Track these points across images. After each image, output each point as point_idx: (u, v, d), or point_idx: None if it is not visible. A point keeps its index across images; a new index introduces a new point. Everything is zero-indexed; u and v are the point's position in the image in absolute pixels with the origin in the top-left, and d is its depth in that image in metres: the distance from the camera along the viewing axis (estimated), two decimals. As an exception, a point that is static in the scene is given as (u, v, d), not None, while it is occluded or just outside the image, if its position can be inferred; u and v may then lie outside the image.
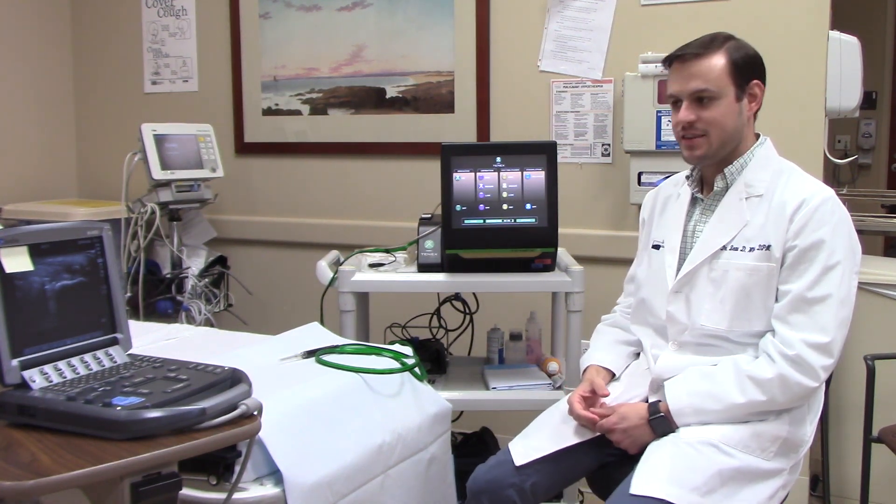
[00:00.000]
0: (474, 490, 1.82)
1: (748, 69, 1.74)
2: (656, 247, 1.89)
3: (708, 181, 1.82)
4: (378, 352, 1.95)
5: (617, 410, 1.77)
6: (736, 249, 1.72)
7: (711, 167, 1.80)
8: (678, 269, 1.80)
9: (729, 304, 1.71)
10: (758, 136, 1.80)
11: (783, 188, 1.71)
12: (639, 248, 2.03)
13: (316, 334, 2.14)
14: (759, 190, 1.73)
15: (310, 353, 1.88)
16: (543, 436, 1.84)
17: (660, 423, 1.71)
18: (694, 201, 1.85)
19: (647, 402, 1.79)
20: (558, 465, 1.80)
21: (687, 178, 1.87)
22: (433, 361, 2.54)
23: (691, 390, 1.71)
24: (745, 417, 1.68)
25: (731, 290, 1.71)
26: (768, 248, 1.68)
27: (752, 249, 1.70)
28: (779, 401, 1.65)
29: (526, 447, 1.82)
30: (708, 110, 1.72)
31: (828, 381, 1.74)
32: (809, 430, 1.74)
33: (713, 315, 1.73)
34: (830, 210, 1.66)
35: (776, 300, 1.69)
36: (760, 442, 1.67)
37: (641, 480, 1.59)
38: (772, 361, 1.65)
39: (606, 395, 1.84)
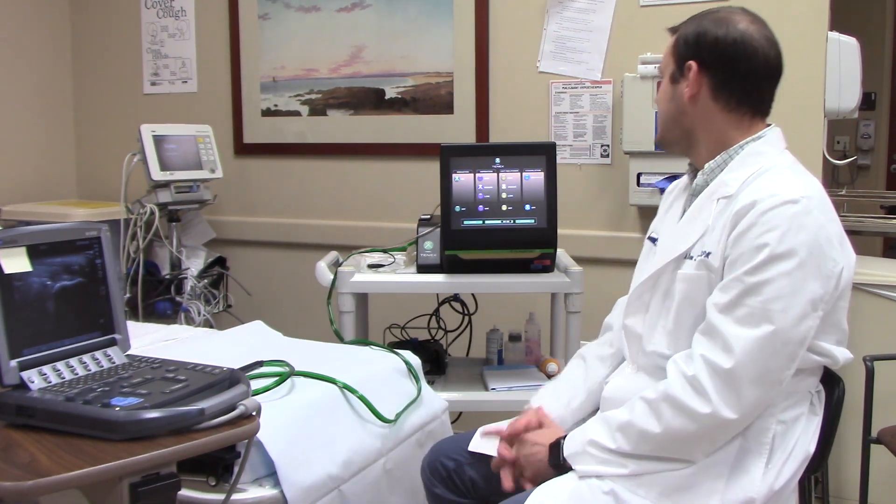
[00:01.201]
0: (427, 455, 1.78)
1: (688, 48, 1.52)
2: (652, 240, 1.68)
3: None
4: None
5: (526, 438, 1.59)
6: (691, 258, 1.48)
7: (696, 159, 1.59)
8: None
9: (672, 321, 1.49)
10: (769, 125, 1.55)
11: (750, 188, 1.44)
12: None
13: (260, 333, 2.16)
14: (730, 189, 1.47)
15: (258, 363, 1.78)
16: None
17: (558, 455, 1.51)
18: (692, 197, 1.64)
19: None
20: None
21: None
22: (432, 362, 2.54)
23: (585, 428, 1.50)
24: (640, 445, 1.42)
25: (675, 304, 1.48)
26: (708, 255, 1.44)
27: (696, 257, 1.46)
28: (674, 426, 1.38)
29: (487, 439, 1.71)
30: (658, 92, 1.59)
31: (827, 382, 1.57)
32: (762, 482, 1.39)
33: (663, 334, 1.51)
34: (787, 215, 1.35)
35: None
36: (657, 486, 1.41)
37: None
38: (666, 380, 1.42)
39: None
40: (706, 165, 1.54)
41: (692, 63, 1.50)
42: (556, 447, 1.53)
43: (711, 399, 1.35)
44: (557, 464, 1.51)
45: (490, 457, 1.67)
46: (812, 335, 1.39)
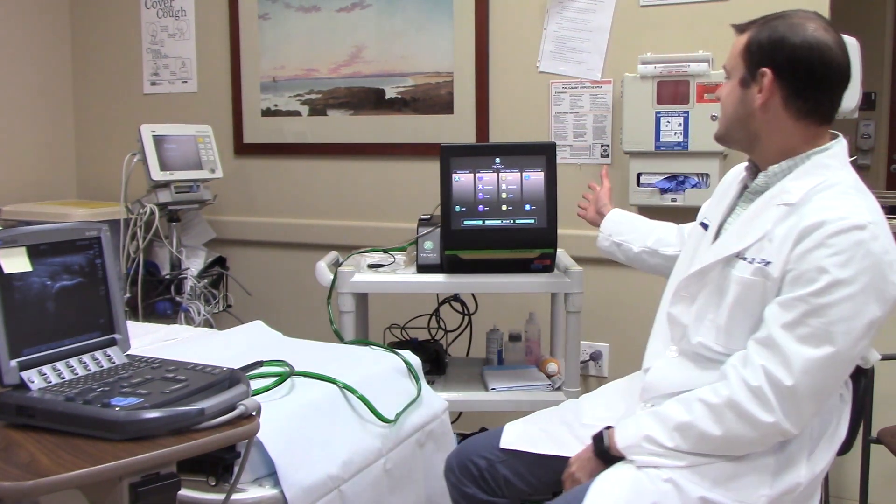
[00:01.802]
0: (452, 454, 1.84)
1: (761, 53, 1.51)
2: (704, 225, 1.71)
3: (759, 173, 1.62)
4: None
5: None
6: (745, 259, 1.51)
7: (757, 158, 1.61)
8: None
9: (724, 318, 1.53)
10: (836, 136, 1.56)
11: (814, 202, 1.45)
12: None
13: (260, 333, 2.16)
14: (793, 198, 1.48)
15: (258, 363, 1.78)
16: (540, 431, 1.80)
17: (606, 452, 1.58)
18: (744, 189, 1.66)
19: None
20: (536, 466, 1.73)
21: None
22: (432, 362, 2.55)
23: (639, 423, 1.56)
24: (699, 446, 1.49)
25: (728, 304, 1.52)
26: (768, 264, 1.46)
27: (755, 262, 1.49)
28: (735, 431, 1.45)
29: (519, 433, 1.78)
30: (723, 89, 1.61)
31: (853, 373, 1.61)
32: (806, 472, 1.51)
33: (711, 328, 1.55)
34: (855, 241, 1.38)
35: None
36: (721, 477, 1.49)
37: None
38: (727, 384, 1.46)
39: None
40: (770, 168, 1.56)
41: (767, 71, 1.50)
42: (600, 438, 1.60)
43: (776, 411, 1.42)
44: (603, 452, 1.58)
45: (522, 452, 1.73)
46: (864, 351, 1.48)
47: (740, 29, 1.59)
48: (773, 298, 1.46)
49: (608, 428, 1.60)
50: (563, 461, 1.68)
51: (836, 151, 1.54)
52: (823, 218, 1.41)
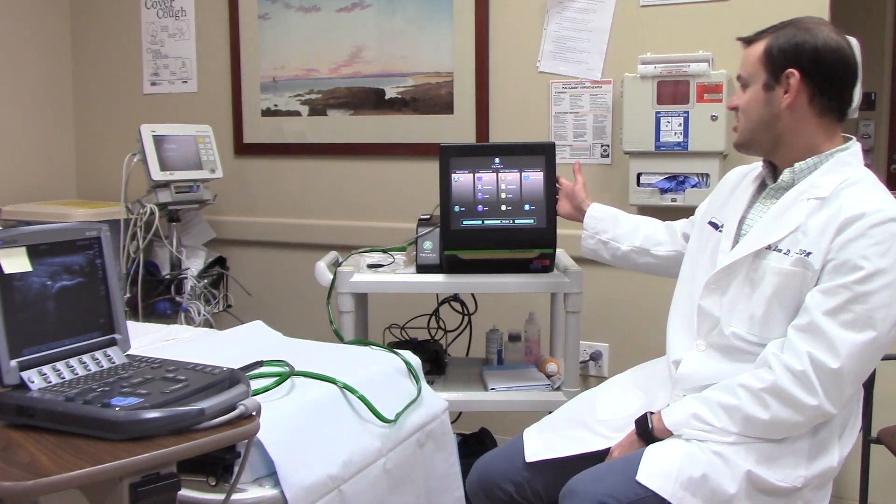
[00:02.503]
0: (474, 478, 1.85)
1: (784, 57, 1.60)
2: (714, 225, 1.77)
3: (779, 172, 1.69)
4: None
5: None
6: (780, 251, 1.58)
7: (778, 159, 1.68)
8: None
9: (761, 309, 1.59)
10: (849, 138, 1.66)
11: (847, 195, 1.54)
12: (696, 215, 1.95)
13: (260, 333, 2.16)
14: (823, 192, 1.57)
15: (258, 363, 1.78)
16: (560, 436, 1.81)
17: (650, 433, 1.65)
18: (761, 188, 1.74)
19: None
20: (564, 470, 1.75)
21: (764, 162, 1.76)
22: (432, 362, 2.54)
23: (685, 404, 1.63)
24: (746, 428, 1.56)
25: (765, 294, 1.58)
26: (808, 255, 1.53)
27: (792, 253, 1.56)
28: (781, 416, 1.52)
29: (540, 444, 1.80)
30: (743, 97, 1.68)
31: None
32: (838, 456, 1.60)
33: (744, 319, 1.62)
34: (892, 232, 1.48)
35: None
36: (767, 459, 1.56)
37: (650, 471, 1.54)
38: (770, 370, 1.54)
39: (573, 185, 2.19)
40: (796, 165, 1.63)
41: (794, 71, 1.59)
42: (643, 421, 1.67)
43: (819, 394, 1.49)
44: (646, 434, 1.66)
45: (547, 461, 1.77)
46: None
47: (749, 41, 1.67)
48: (812, 287, 1.53)
49: (651, 413, 1.68)
50: (589, 460, 1.72)
51: (856, 150, 1.64)
52: (863, 210, 1.50)
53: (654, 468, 1.55)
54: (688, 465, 1.55)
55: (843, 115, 1.64)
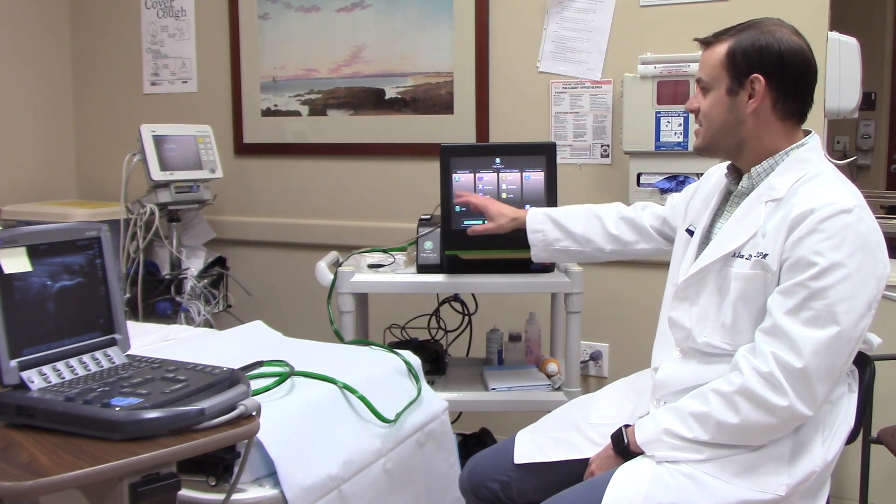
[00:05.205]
0: (464, 475, 1.86)
1: (748, 61, 1.56)
2: (690, 232, 1.75)
3: (742, 176, 1.67)
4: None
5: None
6: (742, 257, 1.56)
7: (741, 163, 1.66)
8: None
9: (730, 316, 1.57)
10: (808, 132, 1.63)
11: (801, 192, 1.52)
12: (677, 199, 1.95)
13: (260, 333, 2.16)
14: (779, 193, 1.55)
15: (258, 363, 1.78)
16: (551, 439, 1.81)
17: (626, 449, 1.61)
18: (728, 194, 1.72)
19: None
20: (553, 473, 1.74)
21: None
22: (432, 362, 2.54)
23: (657, 418, 1.59)
24: (718, 435, 1.51)
25: (731, 301, 1.57)
26: (765, 256, 1.52)
27: (753, 257, 1.54)
28: (752, 418, 1.48)
29: (530, 446, 1.80)
30: (704, 101, 1.64)
31: (859, 363, 1.66)
32: (821, 458, 1.54)
33: (716, 328, 1.59)
34: (844, 224, 1.45)
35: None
36: (742, 467, 1.52)
37: (615, 500, 1.51)
38: (740, 374, 1.50)
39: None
40: (753, 170, 1.62)
41: (759, 76, 1.56)
42: (618, 436, 1.63)
43: (789, 394, 1.45)
44: (622, 450, 1.61)
45: (536, 464, 1.76)
46: (866, 331, 1.51)
47: (708, 42, 1.63)
48: (774, 289, 1.51)
49: (626, 426, 1.63)
50: (578, 465, 1.70)
51: (813, 145, 1.61)
52: (812, 206, 1.47)
53: (620, 497, 1.51)
54: (656, 491, 1.51)
55: (805, 117, 1.62)
